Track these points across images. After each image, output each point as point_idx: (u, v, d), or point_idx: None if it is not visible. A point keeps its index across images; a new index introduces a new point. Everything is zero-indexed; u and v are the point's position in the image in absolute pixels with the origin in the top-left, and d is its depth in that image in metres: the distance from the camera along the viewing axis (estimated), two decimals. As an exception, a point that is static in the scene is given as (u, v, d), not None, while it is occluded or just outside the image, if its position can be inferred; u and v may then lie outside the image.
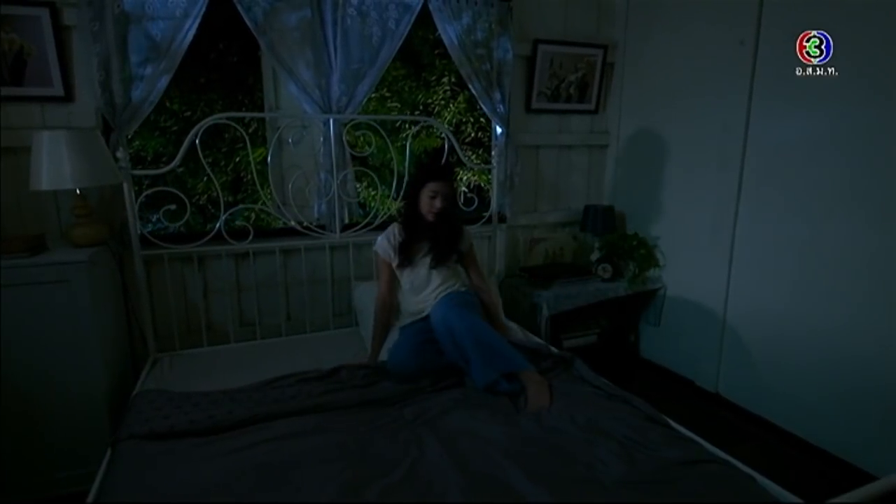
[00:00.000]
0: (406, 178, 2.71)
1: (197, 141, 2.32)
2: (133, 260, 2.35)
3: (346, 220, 2.74)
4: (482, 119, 4.47)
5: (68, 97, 2.26)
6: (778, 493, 1.45)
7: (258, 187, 2.64)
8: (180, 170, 3.94)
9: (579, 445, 1.64)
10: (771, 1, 2.42)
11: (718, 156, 2.71)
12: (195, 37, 2.32)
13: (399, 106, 4.41)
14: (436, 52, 4.37)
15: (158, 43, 2.28)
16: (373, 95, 4.17)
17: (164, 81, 2.31)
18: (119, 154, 2.22)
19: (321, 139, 2.61)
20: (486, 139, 4.35)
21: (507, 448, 1.62)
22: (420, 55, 4.47)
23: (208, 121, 2.35)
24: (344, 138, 2.62)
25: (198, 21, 2.30)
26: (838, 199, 2.24)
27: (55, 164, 1.98)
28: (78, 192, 2.16)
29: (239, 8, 2.36)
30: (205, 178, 4.23)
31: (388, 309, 2.31)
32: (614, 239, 3.14)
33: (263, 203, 2.66)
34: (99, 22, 2.18)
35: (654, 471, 1.51)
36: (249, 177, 4.16)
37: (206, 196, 4.27)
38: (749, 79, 2.51)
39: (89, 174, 2.03)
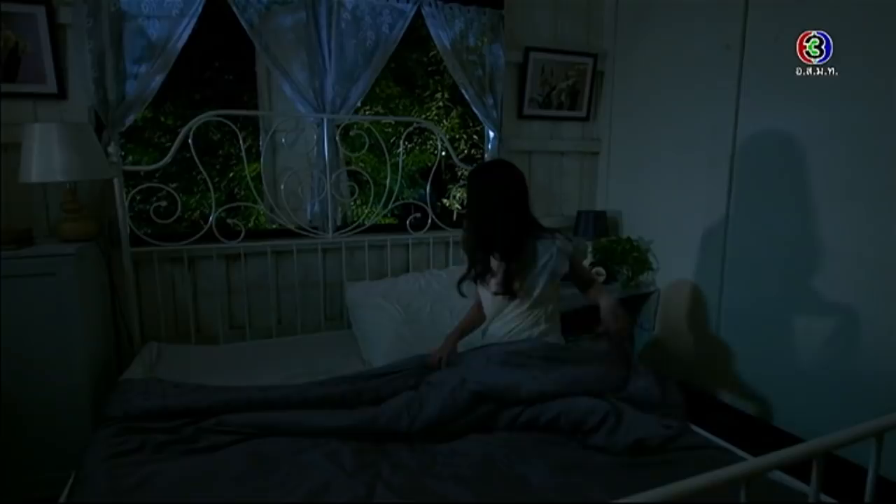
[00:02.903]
0: (396, 194, 2.77)
1: (190, 140, 2.33)
2: (122, 258, 2.32)
3: (339, 222, 2.73)
4: (475, 136, 4.53)
5: (62, 94, 2.26)
6: (781, 480, 1.45)
7: (255, 195, 2.64)
8: (174, 185, 3.93)
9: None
10: (756, 6, 2.48)
11: (708, 157, 2.73)
12: (191, 53, 2.35)
13: (394, 123, 4.47)
14: (429, 69, 4.46)
15: (154, 42, 2.31)
16: (368, 112, 4.22)
17: (158, 81, 2.33)
18: (111, 150, 2.22)
19: (314, 138, 2.62)
20: (479, 156, 4.39)
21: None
22: (414, 76, 4.55)
23: (203, 117, 2.36)
24: (337, 139, 2.63)
25: (194, 21, 2.32)
26: (835, 198, 2.24)
27: (45, 157, 1.97)
28: (68, 186, 2.14)
29: (234, 9, 2.40)
30: (198, 195, 4.23)
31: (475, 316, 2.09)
32: (607, 243, 3.14)
33: (258, 211, 2.67)
34: (94, 19, 2.19)
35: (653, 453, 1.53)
36: (243, 193, 4.17)
37: (198, 212, 4.26)
38: (736, 81, 2.55)
39: (80, 167, 2.02)
